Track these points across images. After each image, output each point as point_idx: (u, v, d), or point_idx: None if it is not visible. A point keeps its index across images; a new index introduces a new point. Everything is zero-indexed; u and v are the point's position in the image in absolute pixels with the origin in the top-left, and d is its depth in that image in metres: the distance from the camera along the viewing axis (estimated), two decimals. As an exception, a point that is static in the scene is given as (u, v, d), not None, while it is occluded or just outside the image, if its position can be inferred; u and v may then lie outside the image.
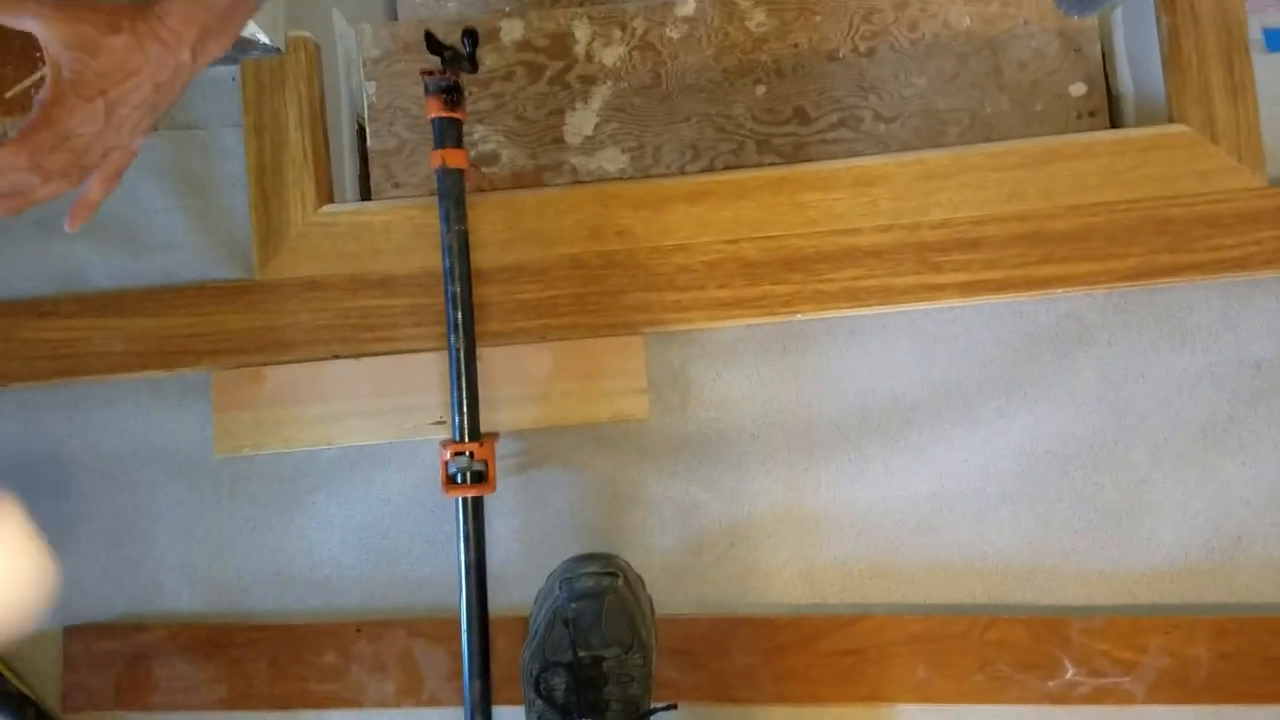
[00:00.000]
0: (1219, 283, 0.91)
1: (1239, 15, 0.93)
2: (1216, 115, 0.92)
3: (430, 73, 0.90)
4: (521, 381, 0.94)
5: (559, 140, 1.14)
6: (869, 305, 0.93)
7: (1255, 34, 0.95)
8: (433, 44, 0.91)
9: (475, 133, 1.14)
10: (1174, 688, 0.87)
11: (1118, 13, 1.13)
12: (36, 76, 0.95)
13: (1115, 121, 1.13)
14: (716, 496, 0.94)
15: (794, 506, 0.94)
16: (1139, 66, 1.07)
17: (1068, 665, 0.89)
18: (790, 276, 0.94)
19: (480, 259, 0.94)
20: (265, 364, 0.97)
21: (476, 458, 0.88)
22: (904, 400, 0.94)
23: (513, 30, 1.14)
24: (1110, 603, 0.91)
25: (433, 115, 0.90)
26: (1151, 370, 0.91)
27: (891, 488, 0.93)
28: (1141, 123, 1.06)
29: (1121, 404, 0.92)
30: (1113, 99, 1.14)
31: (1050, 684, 0.89)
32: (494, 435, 0.93)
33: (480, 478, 0.88)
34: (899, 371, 0.94)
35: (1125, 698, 0.88)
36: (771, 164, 1.13)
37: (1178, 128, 0.92)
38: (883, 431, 0.94)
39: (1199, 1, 0.94)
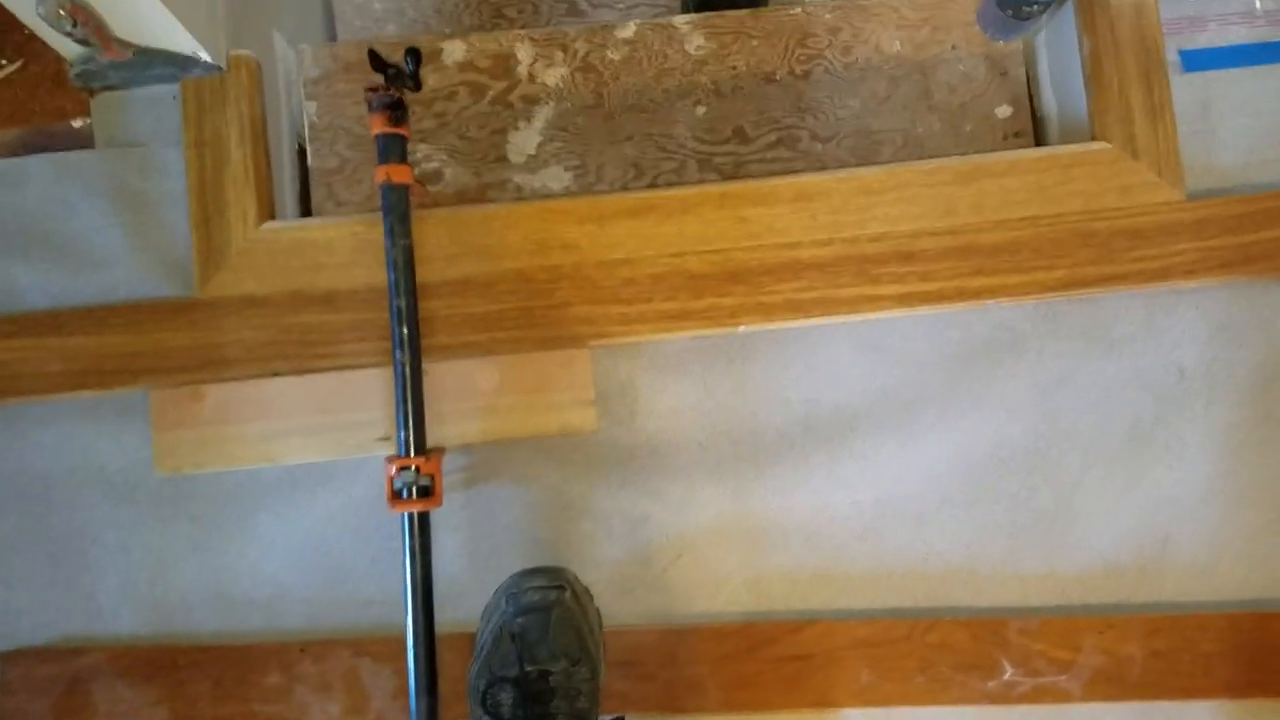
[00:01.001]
0: (1143, 292, 0.95)
1: (1157, 38, 0.98)
2: (1137, 133, 0.96)
3: (374, 89, 0.90)
4: (468, 395, 0.94)
5: (502, 159, 1.15)
6: (811, 316, 0.95)
7: (1172, 56, 1.00)
8: (376, 62, 0.92)
9: (419, 152, 1.14)
10: (1109, 685, 0.90)
11: (1041, 37, 1.18)
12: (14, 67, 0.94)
13: (1040, 141, 1.17)
14: (665, 507, 0.95)
15: (741, 515, 0.95)
16: (1062, 88, 1.11)
17: (1006, 665, 0.91)
18: (734, 289, 0.96)
19: (425, 274, 0.94)
20: (205, 382, 0.95)
21: (423, 472, 0.88)
22: (847, 409, 0.96)
23: (455, 51, 1.15)
24: (1046, 603, 0.94)
25: (377, 131, 0.90)
26: (1080, 377, 0.95)
27: (836, 495, 0.95)
28: (1065, 142, 1.10)
29: (1053, 409, 0.95)
30: (1037, 120, 1.18)
31: (990, 684, 0.91)
32: (440, 450, 0.93)
33: (426, 492, 0.88)
34: (841, 381, 0.96)
35: (1062, 696, 0.90)
36: (713, 181, 1.15)
37: (1100, 145, 0.96)
38: (827, 440, 0.96)
39: (1119, 25, 0.98)
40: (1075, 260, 0.93)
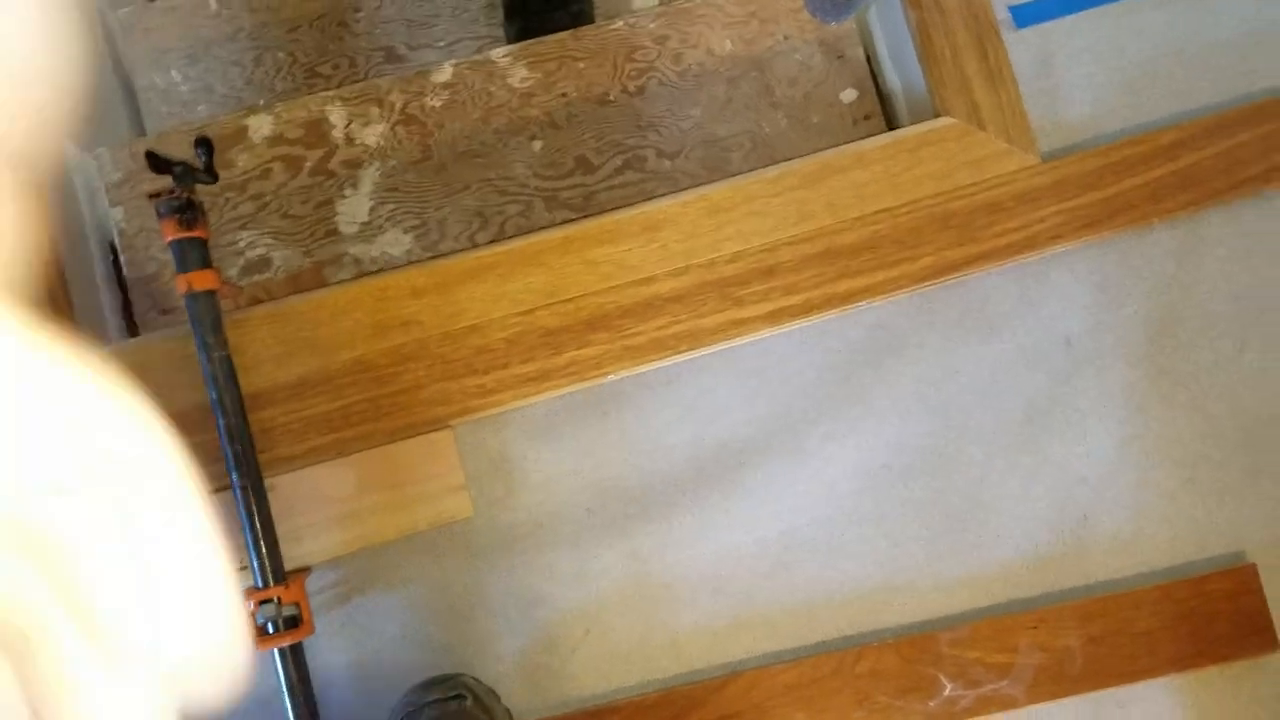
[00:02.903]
0: (1013, 266, 0.90)
1: None
2: (979, 102, 0.92)
3: (158, 194, 0.82)
4: (324, 505, 0.86)
5: (334, 232, 1.07)
6: (680, 352, 0.89)
7: (1002, 14, 0.96)
8: (157, 163, 0.83)
9: (241, 240, 1.06)
10: (1053, 682, 0.86)
11: (873, 13, 1.13)
12: None
13: (890, 119, 1.13)
14: (560, 584, 0.88)
15: (642, 577, 0.88)
16: (901, 63, 1.07)
17: (944, 681, 0.86)
18: (595, 337, 0.89)
19: (254, 381, 0.86)
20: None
21: (285, 601, 0.80)
22: (733, 443, 0.90)
23: (261, 126, 1.07)
24: (972, 607, 0.89)
25: (169, 239, 0.82)
26: (965, 365, 0.90)
27: (737, 535, 0.89)
28: (915, 116, 1.06)
29: (944, 404, 0.90)
30: (884, 98, 1.14)
31: (931, 704, 0.86)
32: (304, 571, 0.84)
33: (294, 622, 0.80)
34: (723, 414, 0.90)
35: (1008, 702, 0.86)
36: (564, 218, 1.08)
37: (944, 121, 0.91)
38: (718, 479, 0.90)
39: (941, -7, 0.94)
40: (938, 245, 0.89)
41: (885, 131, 1.08)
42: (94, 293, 1.04)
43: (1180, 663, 0.85)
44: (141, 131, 1.28)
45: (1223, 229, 0.91)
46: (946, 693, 0.86)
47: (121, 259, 1.06)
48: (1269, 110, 0.91)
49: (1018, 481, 0.89)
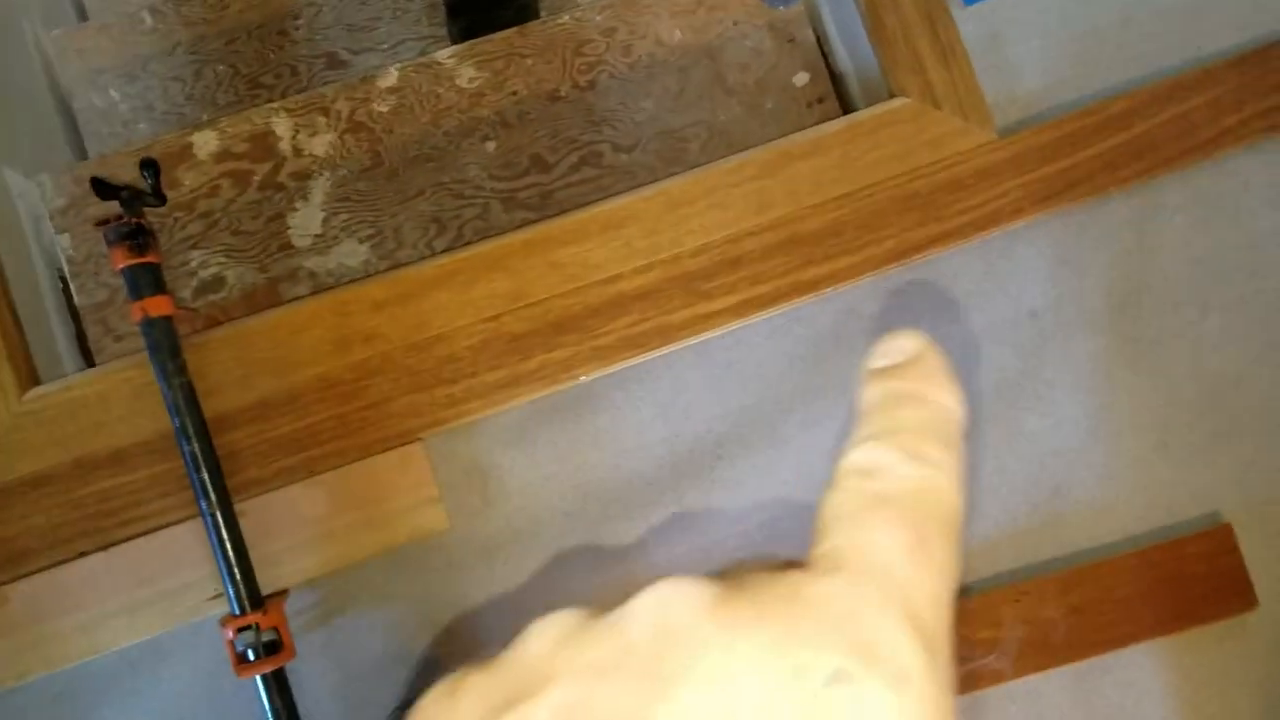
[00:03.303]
0: (976, 244, 0.90)
1: (930, -23, 0.93)
2: (933, 81, 0.92)
3: (106, 221, 0.80)
4: (298, 526, 0.84)
5: (287, 246, 1.05)
6: (650, 349, 0.88)
7: (950, -9, 0.96)
8: (103, 189, 0.81)
9: (193, 260, 1.03)
10: (1038, 654, 0.86)
11: (819, -6, 1.13)
12: None
13: (844, 100, 1.13)
14: (542, 591, 0.87)
15: (626, 579, 0.87)
16: (852, 43, 1.06)
17: (934, 661, 0.86)
18: (563, 340, 0.88)
19: (217, 404, 0.84)
20: (5, 584, 0.84)
21: (264, 627, 0.78)
22: (709, 437, 0.89)
23: (207, 143, 1.04)
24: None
25: (120, 266, 0.80)
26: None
27: (720, 529, 0.89)
28: (869, 96, 1.06)
29: (917, 386, 0.90)
30: (837, 79, 1.13)
31: (922, 685, 0.86)
32: (282, 594, 0.83)
33: (274, 648, 0.78)
34: (697, 409, 0.90)
35: (995, 677, 0.86)
36: (522, 219, 1.07)
37: (899, 102, 0.91)
38: (697, 474, 0.89)
39: (889, -27, 0.94)
40: (902, 226, 0.88)
41: (840, 113, 1.08)
42: (46, 323, 1.01)
43: (1163, 626, 0.86)
44: (83, 154, 1.25)
45: (1179, 195, 0.92)
46: (935, 672, 0.86)
47: (71, 287, 1.03)
48: (1218, 74, 0.92)
49: (993, 457, 0.90)
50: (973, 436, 0.90)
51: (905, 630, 0.22)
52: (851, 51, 1.08)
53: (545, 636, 0.23)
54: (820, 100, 1.11)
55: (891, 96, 0.92)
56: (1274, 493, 0.90)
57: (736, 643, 0.21)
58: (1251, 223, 0.92)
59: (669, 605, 0.23)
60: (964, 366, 0.90)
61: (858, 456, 0.26)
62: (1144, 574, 0.86)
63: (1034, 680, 0.87)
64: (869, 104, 0.95)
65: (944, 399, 0.27)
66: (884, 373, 0.27)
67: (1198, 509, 0.90)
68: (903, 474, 0.25)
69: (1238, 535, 0.88)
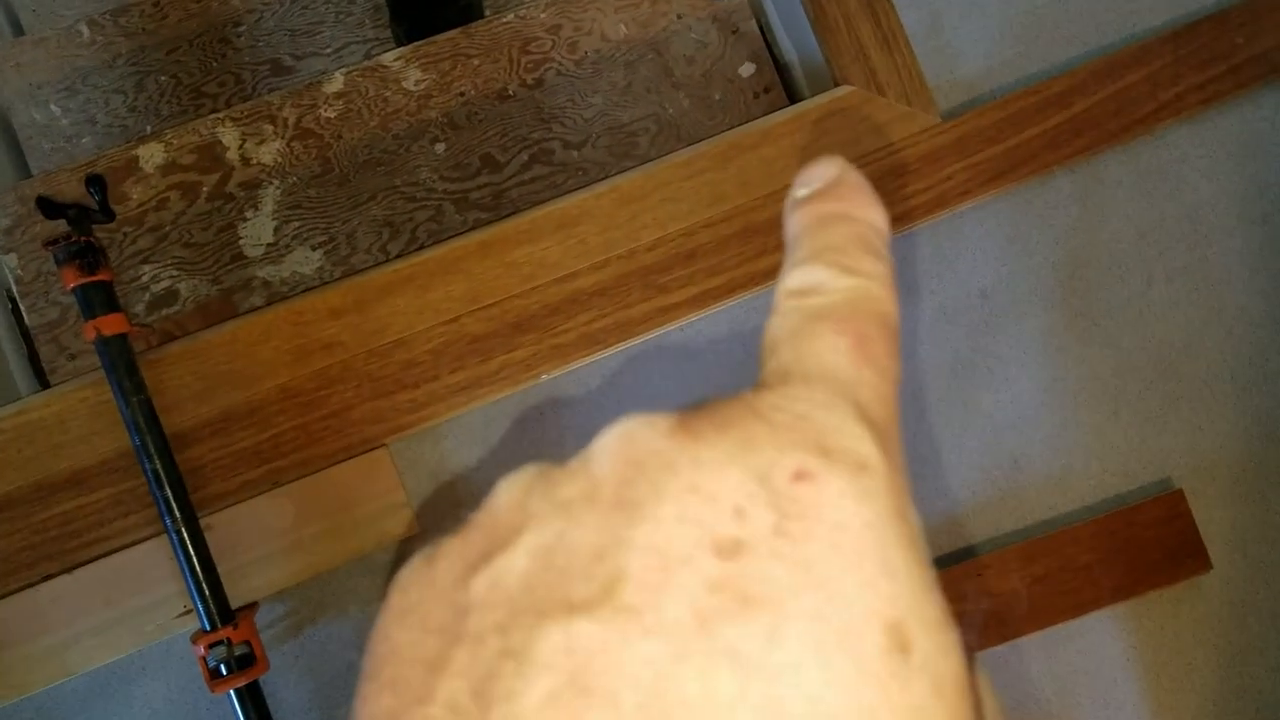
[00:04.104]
0: (926, 226, 0.92)
1: (869, -34, 0.95)
2: (876, 68, 0.93)
3: (54, 241, 0.79)
4: (266, 538, 0.84)
5: (240, 256, 1.04)
6: (611, 345, 0.89)
7: (890, -23, 0.97)
8: (50, 209, 0.80)
9: (144, 274, 1.02)
10: (1003, 625, 0.88)
11: (763, -16, 1.14)
12: None
13: (790, 89, 1.14)
14: (514, 589, 0.87)
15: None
16: (795, 33, 1.07)
17: (902, 638, 0.88)
18: (523, 339, 0.88)
19: (177, 420, 0.83)
20: (-34, 610, 0.83)
21: (236, 641, 0.78)
22: (672, 428, 0.90)
23: (153, 155, 1.03)
24: (922, 562, 0.91)
25: (71, 285, 0.79)
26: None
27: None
28: (815, 85, 1.07)
29: (875, 368, 0.91)
30: (782, 68, 1.14)
31: (892, 661, 0.88)
32: (252, 607, 0.83)
33: (247, 661, 0.78)
34: (660, 401, 0.90)
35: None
36: (475, 220, 1.07)
37: (844, 90, 0.92)
38: (661, 466, 0.90)
39: (828, -38, 0.95)
40: (853, 212, 0.89)
41: (786, 103, 1.09)
42: (-6, 345, 1.00)
43: (1122, 592, 0.89)
44: (26, 171, 1.23)
45: (1121, 169, 0.94)
46: (904, 648, 0.88)
47: (21, 307, 1.02)
48: (1153, 49, 0.94)
49: (950, 434, 0.92)
50: (929, 415, 0.92)
51: (858, 424, 0.23)
52: (795, 41, 1.09)
53: (512, 490, 0.24)
54: (767, 90, 1.12)
55: (836, 85, 0.93)
56: (1223, 455, 0.93)
57: (701, 457, 0.22)
58: (1191, 194, 0.94)
59: (630, 437, 0.23)
60: (919, 348, 0.92)
61: (793, 280, 0.26)
62: (1102, 542, 0.88)
63: (1000, 650, 0.89)
64: (814, 93, 0.96)
65: (868, 214, 0.28)
66: (807, 199, 0.28)
67: (1150, 475, 0.92)
68: (838, 286, 0.26)
69: (1190, 499, 0.90)
